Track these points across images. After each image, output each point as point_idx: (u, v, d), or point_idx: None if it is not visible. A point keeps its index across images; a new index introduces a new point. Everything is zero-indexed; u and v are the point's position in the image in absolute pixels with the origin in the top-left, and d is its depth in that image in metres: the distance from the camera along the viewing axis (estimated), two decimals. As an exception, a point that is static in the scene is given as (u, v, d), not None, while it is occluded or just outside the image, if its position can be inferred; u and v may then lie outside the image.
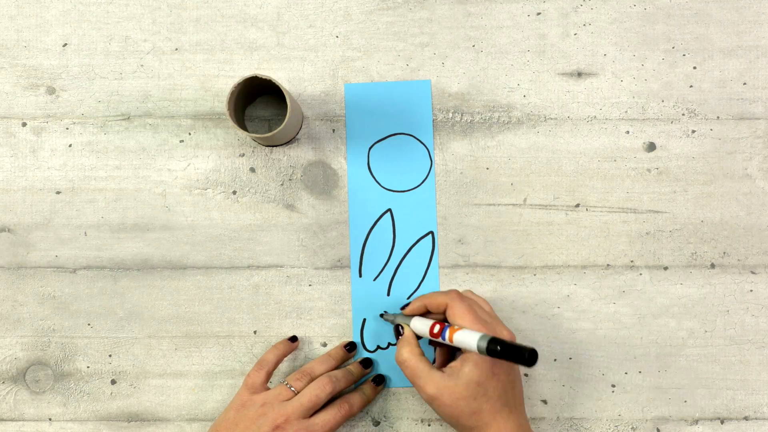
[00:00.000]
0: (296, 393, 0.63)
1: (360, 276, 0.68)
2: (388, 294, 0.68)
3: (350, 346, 0.67)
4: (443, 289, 0.68)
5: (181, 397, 0.68)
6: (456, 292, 0.62)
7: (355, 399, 0.65)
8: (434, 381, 0.59)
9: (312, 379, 0.64)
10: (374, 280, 0.68)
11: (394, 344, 0.68)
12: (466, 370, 0.58)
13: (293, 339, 0.67)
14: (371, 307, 0.68)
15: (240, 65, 0.70)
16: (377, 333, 0.68)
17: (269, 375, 0.65)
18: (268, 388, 0.64)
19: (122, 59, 0.70)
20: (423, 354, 0.61)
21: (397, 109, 0.70)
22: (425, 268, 0.69)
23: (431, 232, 0.69)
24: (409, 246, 0.69)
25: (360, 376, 0.67)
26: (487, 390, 0.58)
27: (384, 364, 0.68)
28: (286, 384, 0.63)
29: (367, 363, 0.67)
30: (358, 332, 0.68)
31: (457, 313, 0.60)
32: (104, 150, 0.69)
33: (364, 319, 0.68)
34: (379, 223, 0.69)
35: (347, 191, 0.69)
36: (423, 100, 0.70)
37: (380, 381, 0.67)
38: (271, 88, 0.66)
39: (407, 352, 0.61)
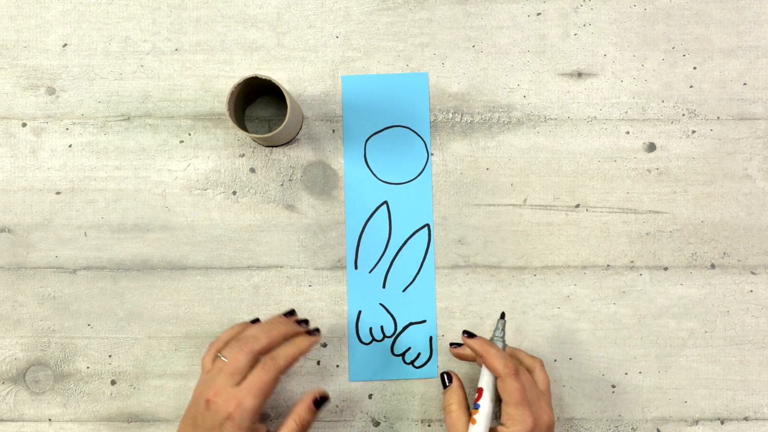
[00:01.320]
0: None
1: (356, 268, 0.68)
2: (384, 286, 0.68)
3: (290, 313, 0.65)
4: (440, 288, 0.68)
5: (181, 397, 0.68)
6: (518, 367, 0.60)
7: (282, 351, 0.60)
8: None
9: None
10: (370, 272, 0.69)
11: (389, 336, 0.68)
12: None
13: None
14: (366, 298, 0.68)
15: (240, 65, 0.70)
16: (374, 325, 0.68)
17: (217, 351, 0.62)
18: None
19: (122, 59, 0.70)
20: (468, 407, 0.62)
21: (394, 101, 0.70)
22: (421, 260, 0.69)
23: (427, 225, 0.69)
24: (405, 238, 0.69)
25: (291, 330, 0.62)
26: None
27: (379, 355, 0.68)
28: (219, 356, 0.60)
29: (305, 323, 0.64)
30: (354, 324, 0.68)
31: (506, 388, 0.60)
32: (104, 150, 0.69)
33: (360, 311, 0.68)
34: (375, 215, 0.69)
35: (344, 183, 0.69)
36: (420, 93, 0.70)
37: (315, 332, 0.64)
38: (271, 89, 0.66)
39: (455, 400, 0.62)
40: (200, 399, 0.59)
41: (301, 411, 0.61)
